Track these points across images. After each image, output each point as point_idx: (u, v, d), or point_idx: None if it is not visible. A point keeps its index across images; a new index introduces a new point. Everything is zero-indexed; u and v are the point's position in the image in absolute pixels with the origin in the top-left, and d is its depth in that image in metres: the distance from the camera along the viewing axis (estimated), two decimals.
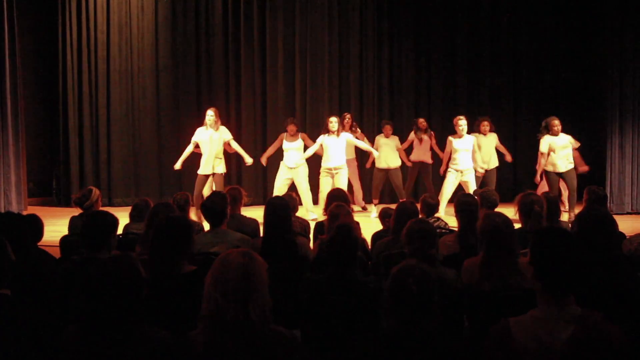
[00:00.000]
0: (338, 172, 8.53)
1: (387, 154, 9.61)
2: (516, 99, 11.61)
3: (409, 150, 10.03)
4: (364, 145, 9.12)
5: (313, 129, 11.37)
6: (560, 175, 8.56)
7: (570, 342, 2.05)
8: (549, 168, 8.58)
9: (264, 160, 9.43)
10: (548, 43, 11.35)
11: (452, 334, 2.30)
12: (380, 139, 9.78)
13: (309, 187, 8.86)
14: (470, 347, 2.29)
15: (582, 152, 11.61)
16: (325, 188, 8.32)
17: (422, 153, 9.77)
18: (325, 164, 8.63)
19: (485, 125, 9.42)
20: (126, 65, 11.18)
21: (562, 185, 8.90)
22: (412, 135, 9.92)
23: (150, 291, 2.44)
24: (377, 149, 9.38)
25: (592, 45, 11.03)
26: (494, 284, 3.14)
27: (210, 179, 8.40)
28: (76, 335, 2.26)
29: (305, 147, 8.96)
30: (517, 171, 11.49)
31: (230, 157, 11.28)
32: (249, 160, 8.76)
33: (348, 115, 9.66)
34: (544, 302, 2.17)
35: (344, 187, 8.01)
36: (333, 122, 8.64)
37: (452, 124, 9.00)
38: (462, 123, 8.82)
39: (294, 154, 8.93)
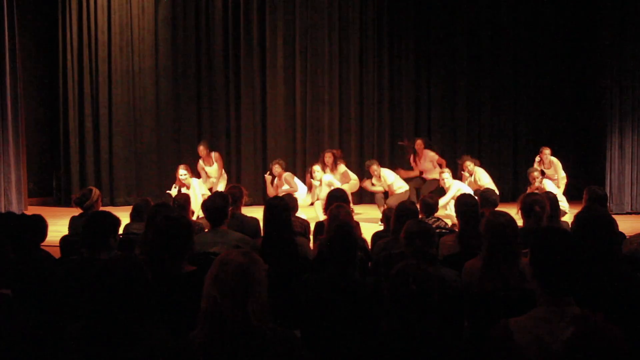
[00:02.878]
0: None
1: None
2: (516, 99, 11.60)
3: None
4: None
5: (313, 129, 11.38)
6: None
7: (570, 342, 2.05)
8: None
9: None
10: (548, 43, 11.35)
11: (452, 334, 2.30)
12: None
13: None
14: (470, 347, 2.29)
15: (582, 152, 11.60)
16: None
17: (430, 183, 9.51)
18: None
19: (468, 164, 9.00)
20: (127, 65, 11.18)
21: None
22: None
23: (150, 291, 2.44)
24: None
25: (592, 45, 11.03)
26: (495, 283, 3.13)
27: None
28: (78, 334, 2.26)
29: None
30: (517, 171, 11.49)
31: (230, 156, 11.30)
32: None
33: (328, 154, 9.45)
34: (544, 302, 2.17)
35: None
36: (316, 171, 8.87)
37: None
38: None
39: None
